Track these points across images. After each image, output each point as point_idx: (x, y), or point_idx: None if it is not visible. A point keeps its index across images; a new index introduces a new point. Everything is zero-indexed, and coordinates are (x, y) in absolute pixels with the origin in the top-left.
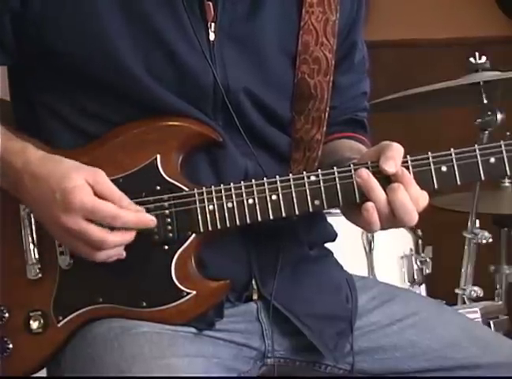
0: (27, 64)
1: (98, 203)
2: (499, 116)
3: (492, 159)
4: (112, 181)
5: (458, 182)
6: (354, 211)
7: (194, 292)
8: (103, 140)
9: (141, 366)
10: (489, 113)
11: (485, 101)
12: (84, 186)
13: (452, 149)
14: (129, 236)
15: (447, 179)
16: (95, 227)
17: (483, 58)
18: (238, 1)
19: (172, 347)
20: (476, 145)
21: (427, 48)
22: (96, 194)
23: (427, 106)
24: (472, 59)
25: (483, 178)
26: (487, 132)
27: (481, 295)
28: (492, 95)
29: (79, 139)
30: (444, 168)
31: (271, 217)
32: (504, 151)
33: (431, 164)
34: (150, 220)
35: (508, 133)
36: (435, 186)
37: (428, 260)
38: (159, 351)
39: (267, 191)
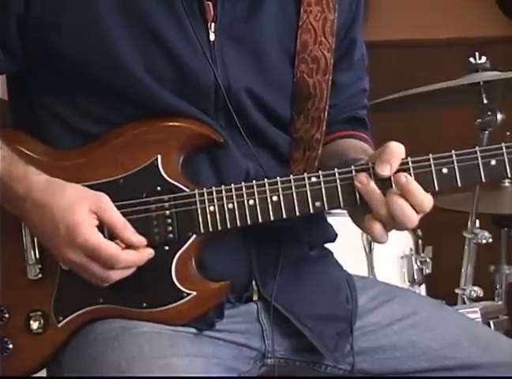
0: (29, 67)
1: (101, 244)
2: (499, 116)
3: (493, 162)
4: (113, 181)
5: (459, 184)
6: (360, 216)
7: (195, 293)
8: (104, 140)
9: (141, 366)
10: (489, 113)
11: (485, 101)
12: (89, 222)
13: (453, 151)
14: (131, 271)
15: (448, 181)
16: (96, 266)
17: (483, 58)
18: (237, 1)
19: (172, 347)
20: (476, 147)
21: (427, 48)
22: (100, 221)
23: (427, 106)
24: (472, 59)
25: (483, 180)
26: (487, 132)
27: (481, 295)
28: (492, 95)
29: (79, 141)
30: (445, 170)
31: (272, 218)
32: (505, 153)
33: (432, 166)
34: (149, 255)
35: (508, 133)
36: (436, 188)
37: (428, 260)
38: (159, 351)
39: (268, 192)
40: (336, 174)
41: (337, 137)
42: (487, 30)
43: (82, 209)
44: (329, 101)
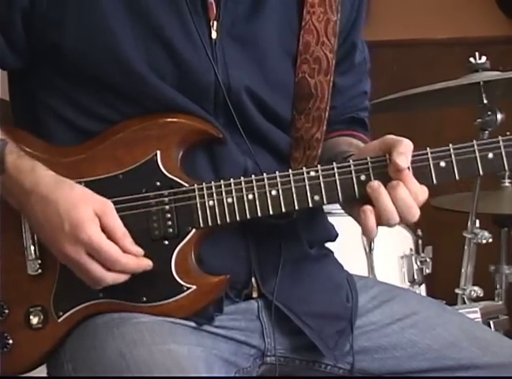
0: (31, 63)
1: (104, 244)
2: (499, 116)
3: (490, 155)
4: (112, 177)
5: (457, 177)
6: (354, 209)
7: (194, 287)
8: (103, 136)
9: (141, 350)
10: (489, 113)
11: (485, 101)
12: (93, 221)
13: (450, 145)
14: (125, 277)
15: (446, 174)
16: (94, 265)
17: (483, 58)
18: (240, 1)
19: (173, 335)
20: (474, 141)
21: (427, 48)
22: (102, 226)
23: (427, 106)
24: (472, 59)
25: (481, 173)
26: (487, 132)
27: (481, 295)
28: (492, 95)
29: (80, 138)
30: (443, 163)
31: (271, 212)
32: (502, 147)
33: (430, 160)
34: (147, 265)
35: (508, 133)
36: (434, 181)
37: (428, 260)
38: (159, 338)
39: (267, 186)
40: (335, 169)
41: (335, 136)
42: (487, 30)
43: (87, 209)
44: (330, 102)
